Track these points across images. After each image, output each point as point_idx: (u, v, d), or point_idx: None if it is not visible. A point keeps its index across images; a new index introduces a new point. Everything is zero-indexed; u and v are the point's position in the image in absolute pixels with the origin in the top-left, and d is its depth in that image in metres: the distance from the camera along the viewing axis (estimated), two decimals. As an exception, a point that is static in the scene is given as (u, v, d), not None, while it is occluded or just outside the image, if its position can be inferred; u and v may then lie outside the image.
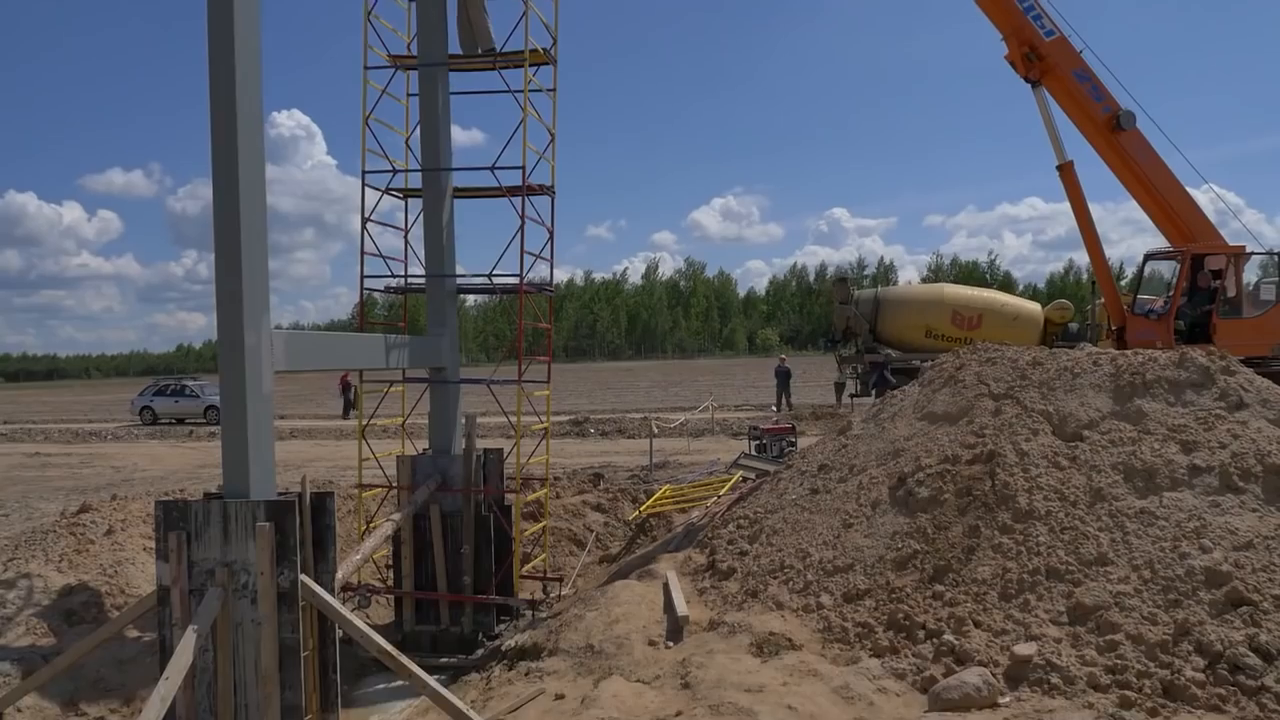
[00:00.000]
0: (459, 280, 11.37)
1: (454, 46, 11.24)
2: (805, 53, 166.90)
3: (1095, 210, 18.16)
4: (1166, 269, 17.94)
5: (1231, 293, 16.80)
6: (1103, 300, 18.87)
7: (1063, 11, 16.43)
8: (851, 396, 26.82)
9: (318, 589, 6.65)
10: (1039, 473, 7.41)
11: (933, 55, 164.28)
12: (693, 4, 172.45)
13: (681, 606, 7.64)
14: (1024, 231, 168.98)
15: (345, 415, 22.55)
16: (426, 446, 11.31)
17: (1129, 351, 8.72)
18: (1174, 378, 7.97)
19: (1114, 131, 16.26)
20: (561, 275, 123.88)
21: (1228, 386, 7.84)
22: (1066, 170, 16.95)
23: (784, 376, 31.38)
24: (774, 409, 30.65)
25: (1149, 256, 18.18)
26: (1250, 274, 17.66)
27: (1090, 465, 7.37)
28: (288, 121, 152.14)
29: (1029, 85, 16.64)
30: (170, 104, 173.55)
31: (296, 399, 49.09)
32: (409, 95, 11.57)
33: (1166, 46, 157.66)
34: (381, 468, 11.35)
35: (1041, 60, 16.22)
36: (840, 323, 26.85)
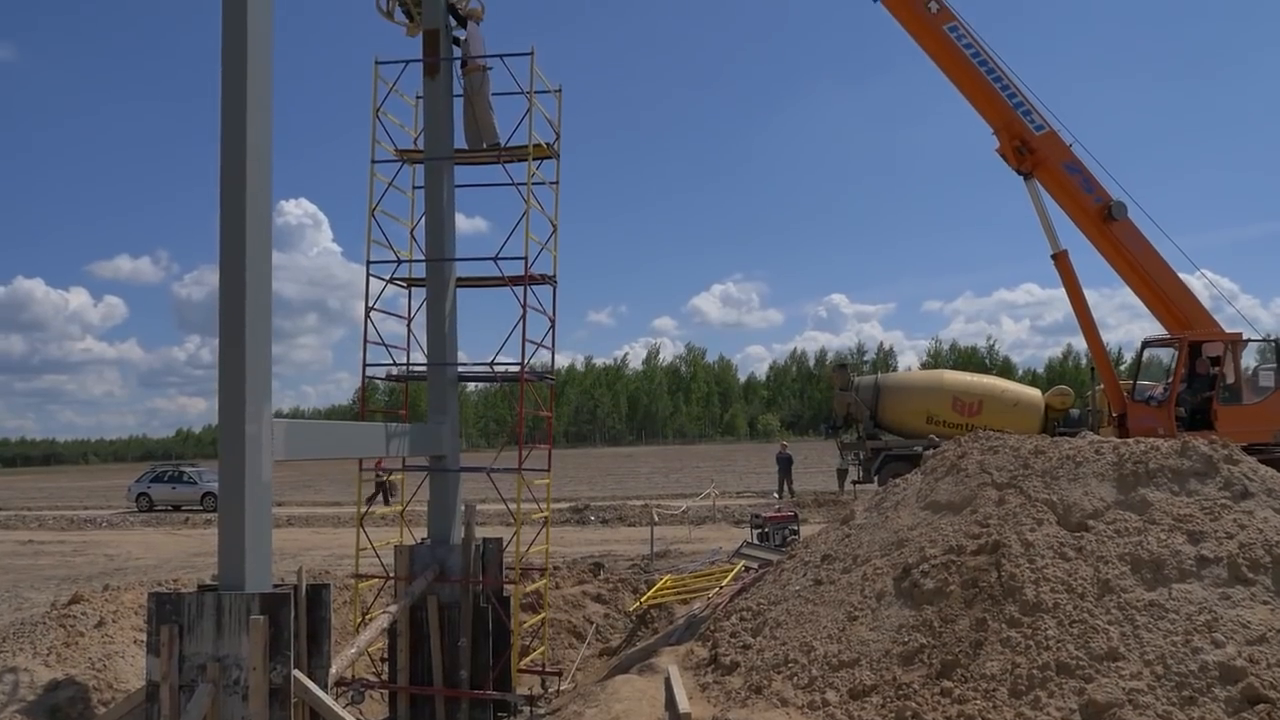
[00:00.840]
0: (460, 368, 11.42)
1: (459, 141, 11.54)
2: (802, 141, 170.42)
3: (1091, 296, 18.42)
4: (1165, 355, 18.08)
5: (1231, 379, 16.89)
6: (1103, 386, 18.94)
7: (1051, 105, 17.01)
8: (854, 483, 26.70)
9: (310, 685, 6.50)
10: (1045, 564, 7.30)
11: (928, 145, 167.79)
12: (689, 90, 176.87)
13: (683, 703, 7.43)
14: (1022, 317, 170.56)
15: (386, 502, 22.32)
16: (425, 535, 11.19)
17: (1131, 440, 8.71)
18: (1177, 466, 7.93)
19: (1106, 221, 16.59)
20: (562, 360, 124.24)
21: (1231, 475, 7.80)
22: (1061, 259, 17.24)
23: (785, 463, 31.22)
24: (776, 496, 30.42)
25: (1147, 344, 18.33)
26: (1248, 359, 17.78)
27: (1097, 556, 7.27)
28: (295, 210, 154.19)
29: (1021, 177, 17.06)
30: (179, 191, 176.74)
31: (295, 486, 48.77)
32: (414, 187, 11.81)
33: (1159, 132, 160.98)
34: (379, 556, 11.21)
35: (1033, 154, 16.67)
36: (841, 409, 26.92)
